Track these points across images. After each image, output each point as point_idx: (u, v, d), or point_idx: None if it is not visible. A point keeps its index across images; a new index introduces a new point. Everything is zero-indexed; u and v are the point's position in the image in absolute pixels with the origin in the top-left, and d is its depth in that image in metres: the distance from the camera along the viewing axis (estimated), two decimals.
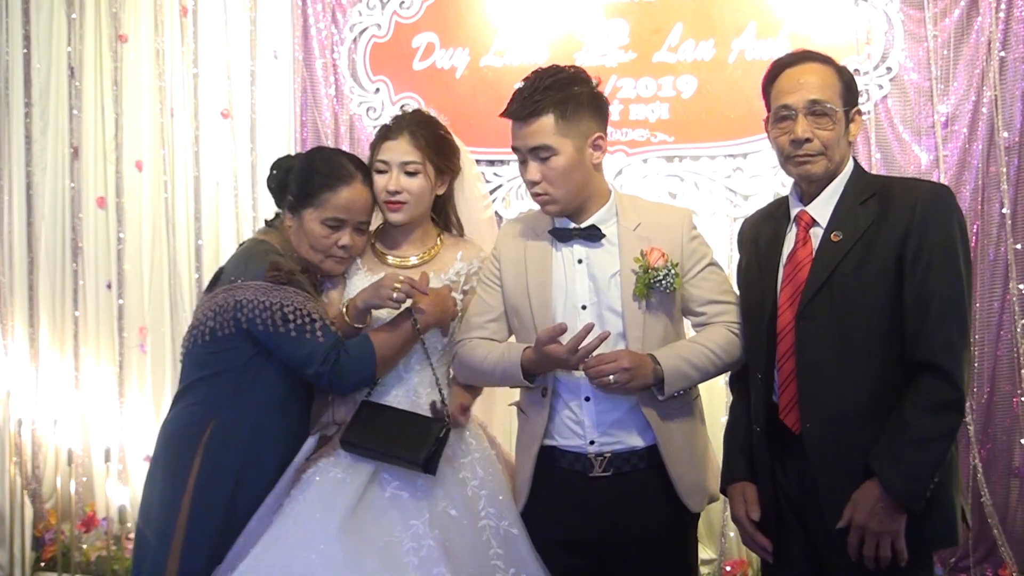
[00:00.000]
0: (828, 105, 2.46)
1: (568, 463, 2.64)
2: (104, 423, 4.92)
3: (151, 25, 4.91)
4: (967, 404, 4.11)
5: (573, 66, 2.69)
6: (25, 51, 4.99)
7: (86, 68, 4.99)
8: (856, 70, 4.25)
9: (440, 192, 2.85)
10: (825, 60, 2.55)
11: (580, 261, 2.66)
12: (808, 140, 2.47)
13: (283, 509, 2.58)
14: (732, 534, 4.35)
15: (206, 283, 4.67)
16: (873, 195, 2.46)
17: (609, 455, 2.62)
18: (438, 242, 2.86)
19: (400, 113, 2.93)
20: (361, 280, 2.80)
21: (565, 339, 2.49)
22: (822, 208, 2.51)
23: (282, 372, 2.68)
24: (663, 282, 2.58)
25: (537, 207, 2.74)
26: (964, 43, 4.21)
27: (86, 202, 4.99)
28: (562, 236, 2.68)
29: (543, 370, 2.60)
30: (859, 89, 4.15)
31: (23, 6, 4.97)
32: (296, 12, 4.74)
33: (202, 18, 4.88)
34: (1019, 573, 4.09)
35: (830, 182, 2.52)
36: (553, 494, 2.65)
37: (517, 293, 2.70)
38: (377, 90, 4.68)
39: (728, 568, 4.35)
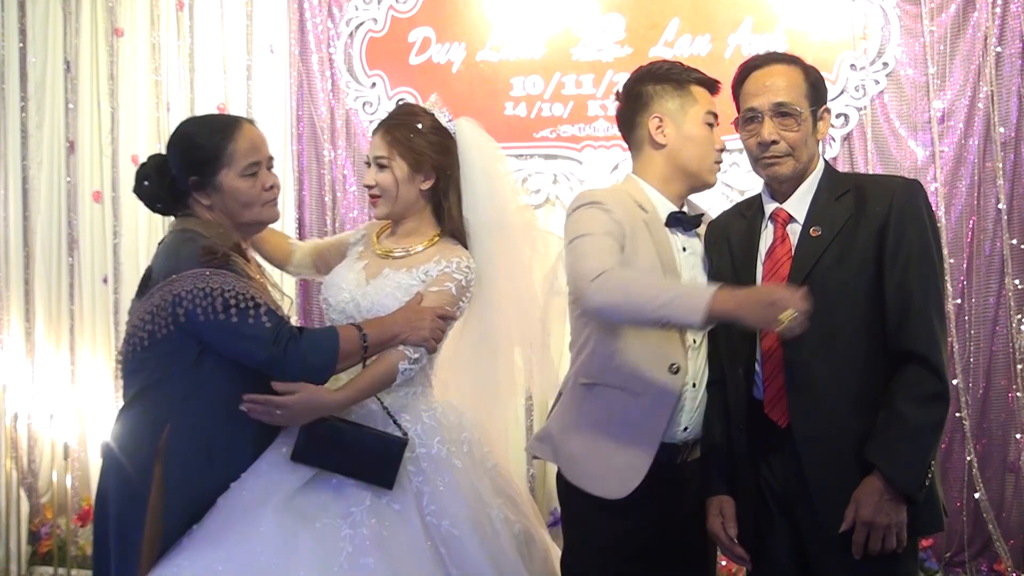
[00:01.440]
0: (793, 107, 2.49)
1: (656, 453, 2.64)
2: (100, 417, 4.91)
3: (147, 19, 4.91)
4: (963, 399, 4.14)
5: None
6: (21, 45, 4.99)
7: (82, 62, 4.98)
8: (852, 65, 4.26)
9: (425, 187, 2.77)
10: (791, 60, 2.57)
11: (684, 249, 2.70)
12: (775, 142, 2.50)
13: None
14: None
15: None
16: (848, 191, 2.50)
17: (693, 440, 2.66)
18: (429, 242, 2.80)
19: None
20: (351, 261, 2.82)
21: None
22: (798, 205, 2.54)
23: (235, 373, 2.49)
24: None
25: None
26: (960, 38, 4.21)
27: (82, 196, 4.99)
28: (674, 222, 2.70)
29: (741, 311, 2.30)
30: (856, 84, 4.23)
31: (19, 0, 4.96)
32: (292, 6, 4.73)
33: (198, 12, 4.88)
34: (1014, 568, 4.10)
35: (801, 180, 2.55)
36: (652, 488, 2.60)
37: (650, 268, 2.61)
38: (373, 84, 4.68)
39: (723, 563, 4.36)
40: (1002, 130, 4.15)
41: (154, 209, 2.70)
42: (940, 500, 2.46)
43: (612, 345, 2.63)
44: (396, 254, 2.78)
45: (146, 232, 4.94)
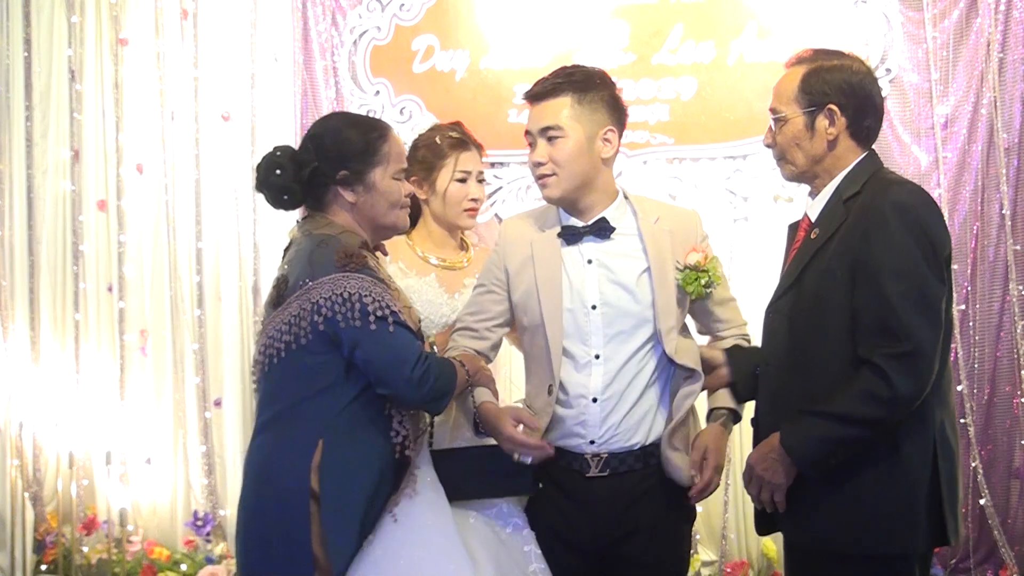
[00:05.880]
0: (777, 111, 2.53)
1: (566, 463, 2.65)
2: (105, 426, 4.91)
3: (151, 28, 4.91)
4: (967, 405, 4.13)
5: (601, 69, 2.74)
6: (26, 54, 4.99)
7: (87, 71, 4.98)
8: None
9: None
10: (797, 61, 2.55)
11: (589, 261, 2.66)
12: (769, 146, 2.57)
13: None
14: (732, 536, 4.36)
15: (207, 286, 4.81)
16: (857, 193, 2.44)
17: (606, 455, 2.62)
18: (469, 244, 3.12)
19: (451, 125, 3.19)
20: (416, 283, 2.95)
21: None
22: (816, 206, 2.54)
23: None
24: (716, 280, 2.66)
25: (541, 203, 2.79)
26: (963, 44, 4.21)
27: (87, 205, 4.98)
28: (571, 236, 2.68)
29: (489, 431, 2.61)
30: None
31: (24, 9, 4.96)
32: (296, 15, 4.74)
33: (202, 21, 4.88)
34: (1020, 574, 4.09)
35: (815, 179, 2.54)
36: (553, 490, 2.67)
37: (527, 292, 2.67)
38: (377, 92, 4.68)
39: (728, 570, 4.35)
40: (1005, 136, 4.16)
41: (278, 202, 2.53)
42: (915, 516, 2.36)
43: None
44: (464, 264, 3.07)
45: (151, 241, 4.94)
